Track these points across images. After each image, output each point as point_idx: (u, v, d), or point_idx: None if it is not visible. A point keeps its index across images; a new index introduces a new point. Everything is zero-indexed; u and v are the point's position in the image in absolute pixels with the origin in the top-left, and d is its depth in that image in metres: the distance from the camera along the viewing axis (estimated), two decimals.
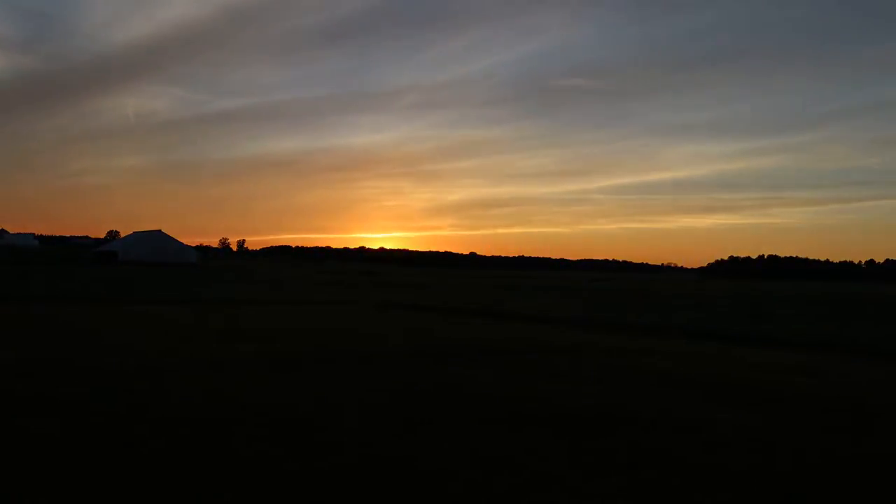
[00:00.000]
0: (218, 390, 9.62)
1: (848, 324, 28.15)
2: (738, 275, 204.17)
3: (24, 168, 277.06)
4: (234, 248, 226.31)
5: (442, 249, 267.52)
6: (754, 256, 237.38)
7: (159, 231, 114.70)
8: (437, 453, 6.78)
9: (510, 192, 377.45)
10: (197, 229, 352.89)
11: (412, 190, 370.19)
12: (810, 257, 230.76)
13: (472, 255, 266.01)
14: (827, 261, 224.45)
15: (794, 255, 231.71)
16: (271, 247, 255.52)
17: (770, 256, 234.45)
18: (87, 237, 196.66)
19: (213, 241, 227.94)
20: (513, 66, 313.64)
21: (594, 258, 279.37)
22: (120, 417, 7.79)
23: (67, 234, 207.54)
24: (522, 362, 13.96)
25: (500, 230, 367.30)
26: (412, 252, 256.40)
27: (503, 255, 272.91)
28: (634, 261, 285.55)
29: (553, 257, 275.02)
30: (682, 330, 23.38)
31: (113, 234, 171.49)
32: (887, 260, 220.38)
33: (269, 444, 6.89)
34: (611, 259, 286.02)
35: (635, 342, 18.84)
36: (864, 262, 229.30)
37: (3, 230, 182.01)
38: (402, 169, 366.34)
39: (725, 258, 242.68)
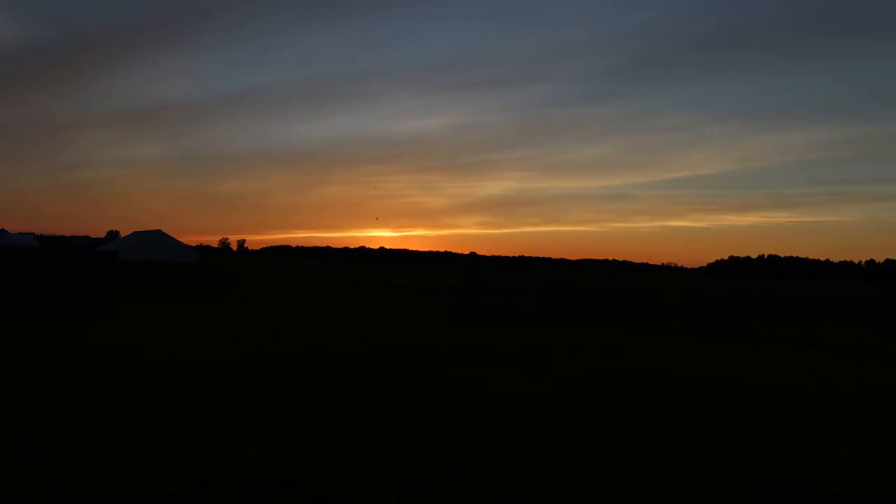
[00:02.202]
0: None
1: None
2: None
3: (24, 158, 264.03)
4: (234, 247, 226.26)
5: (445, 250, 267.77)
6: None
7: (159, 231, 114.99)
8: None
9: (551, 187, 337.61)
10: (196, 228, 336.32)
11: (444, 185, 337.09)
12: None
13: (472, 254, 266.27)
14: None
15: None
16: (271, 246, 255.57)
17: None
18: (87, 237, 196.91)
19: (212, 240, 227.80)
20: (620, 33, 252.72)
21: (595, 258, 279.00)
22: None
23: (68, 234, 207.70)
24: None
25: (526, 229, 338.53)
26: (411, 251, 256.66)
27: (505, 254, 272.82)
28: (636, 261, 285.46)
29: (554, 257, 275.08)
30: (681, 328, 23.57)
31: (113, 234, 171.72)
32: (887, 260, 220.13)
33: None
34: (611, 259, 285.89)
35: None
36: None
37: (3, 230, 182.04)
38: (439, 161, 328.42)
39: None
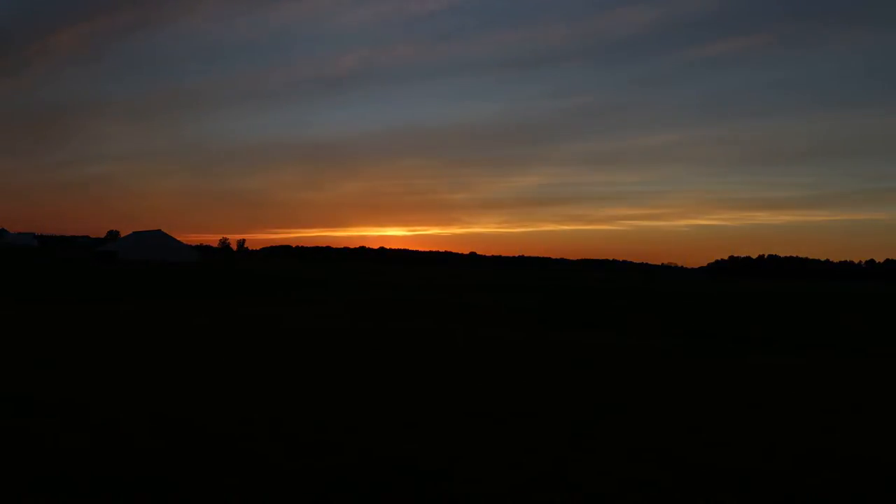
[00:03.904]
0: None
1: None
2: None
3: (17, 151, 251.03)
4: (235, 247, 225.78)
5: (446, 250, 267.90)
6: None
7: (159, 231, 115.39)
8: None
9: (587, 182, 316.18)
10: (196, 227, 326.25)
11: (475, 181, 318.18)
12: None
13: (473, 254, 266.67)
14: None
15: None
16: (273, 246, 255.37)
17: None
18: (87, 237, 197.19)
19: (212, 240, 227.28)
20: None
21: (599, 258, 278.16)
22: None
23: (68, 234, 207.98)
24: None
25: (548, 227, 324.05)
26: (411, 251, 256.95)
27: (506, 254, 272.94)
28: (636, 261, 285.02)
29: (553, 257, 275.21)
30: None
31: (113, 234, 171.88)
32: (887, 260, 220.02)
33: None
34: (611, 259, 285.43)
35: None
36: None
37: (3, 230, 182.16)
38: (476, 154, 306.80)
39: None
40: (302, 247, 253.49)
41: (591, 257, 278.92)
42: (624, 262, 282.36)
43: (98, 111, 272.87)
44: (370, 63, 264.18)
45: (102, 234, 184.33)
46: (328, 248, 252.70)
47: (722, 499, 6.05)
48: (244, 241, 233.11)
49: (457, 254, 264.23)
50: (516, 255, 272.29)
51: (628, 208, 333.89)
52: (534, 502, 5.79)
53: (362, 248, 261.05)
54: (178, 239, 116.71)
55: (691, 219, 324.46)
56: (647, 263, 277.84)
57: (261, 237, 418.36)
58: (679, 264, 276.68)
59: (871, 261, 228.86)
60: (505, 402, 9.93)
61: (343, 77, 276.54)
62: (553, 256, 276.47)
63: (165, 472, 6.15)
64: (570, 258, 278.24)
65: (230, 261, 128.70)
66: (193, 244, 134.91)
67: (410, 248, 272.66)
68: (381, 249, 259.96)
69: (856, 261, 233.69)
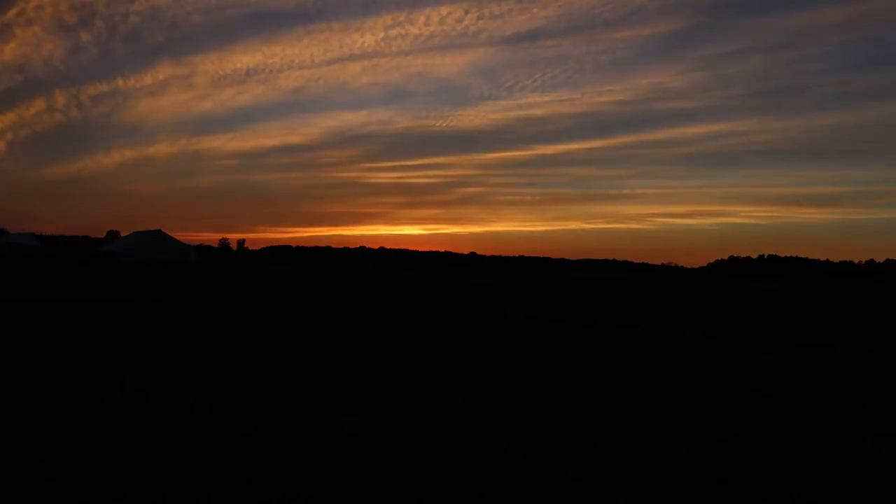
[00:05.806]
0: None
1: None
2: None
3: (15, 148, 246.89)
4: (234, 247, 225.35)
5: (446, 250, 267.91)
6: None
7: (159, 231, 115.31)
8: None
9: (624, 177, 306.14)
10: (196, 227, 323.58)
11: (506, 179, 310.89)
12: None
13: (472, 254, 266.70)
14: None
15: None
16: (274, 246, 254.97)
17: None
18: (87, 237, 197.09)
19: (212, 240, 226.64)
20: None
21: (600, 258, 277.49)
22: None
23: (69, 234, 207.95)
24: None
25: (571, 226, 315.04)
26: (411, 251, 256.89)
27: (506, 254, 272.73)
28: (636, 261, 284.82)
29: (554, 257, 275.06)
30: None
31: (113, 234, 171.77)
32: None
33: None
34: (611, 259, 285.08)
35: None
36: None
37: (3, 230, 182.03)
38: (501, 148, 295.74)
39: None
40: (302, 247, 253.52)
41: (595, 258, 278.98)
42: (624, 261, 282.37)
43: (94, 101, 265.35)
44: (402, 27, 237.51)
45: (102, 234, 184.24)
46: (328, 248, 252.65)
47: (722, 497, 6.08)
48: (244, 240, 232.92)
49: (457, 254, 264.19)
50: (516, 255, 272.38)
51: (624, 206, 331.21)
52: (535, 501, 5.82)
53: (362, 248, 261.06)
54: (178, 239, 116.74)
55: (691, 218, 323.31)
56: (647, 263, 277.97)
57: (261, 236, 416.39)
58: (678, 264, 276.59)
59: (871, 261, 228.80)
60: (504, 400, 9.95)
61: (359, 55, 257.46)
62: (553, 256, 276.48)
63: (163, 465, 6.17)
64: (570, 258, 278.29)
65: (232, 260, 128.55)
66: (193, 244, 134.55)
67: (411, 248, 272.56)
68: (382, 249, 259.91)
69: (856, 261, 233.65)
